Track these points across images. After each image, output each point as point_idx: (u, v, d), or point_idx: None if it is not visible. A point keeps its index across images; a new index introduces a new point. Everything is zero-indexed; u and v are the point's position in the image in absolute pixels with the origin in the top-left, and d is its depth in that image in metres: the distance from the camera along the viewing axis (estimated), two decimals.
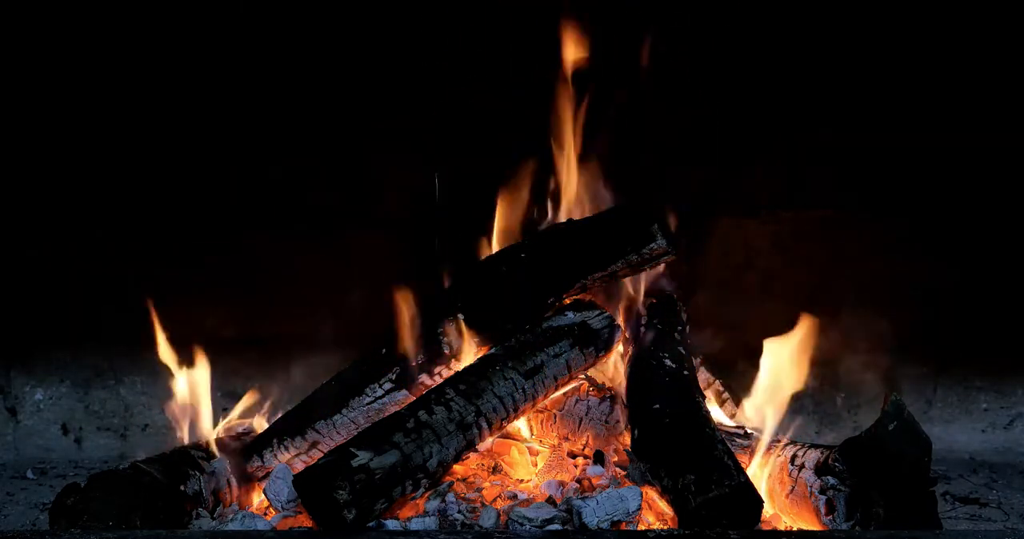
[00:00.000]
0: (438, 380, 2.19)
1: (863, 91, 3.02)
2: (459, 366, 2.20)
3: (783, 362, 2.23)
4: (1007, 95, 2.99)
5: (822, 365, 3.07)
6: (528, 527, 1.86)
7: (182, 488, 1.99)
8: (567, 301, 2.27)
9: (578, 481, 2.10)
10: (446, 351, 2.23)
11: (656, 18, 2.80)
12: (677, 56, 2.86)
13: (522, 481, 2.17)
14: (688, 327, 2.44)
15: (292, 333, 3.08)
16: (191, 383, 2.29)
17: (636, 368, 2.20)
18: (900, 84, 3.01)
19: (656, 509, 1.98)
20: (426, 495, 1.95)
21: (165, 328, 2.39)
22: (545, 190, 2.52)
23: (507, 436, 2.26)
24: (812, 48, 2.99)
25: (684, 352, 2.26)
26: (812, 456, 1.97)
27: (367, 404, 2.20)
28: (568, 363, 2.16)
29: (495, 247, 2.44)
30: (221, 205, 3.06)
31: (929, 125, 3.01)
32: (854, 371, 3.10)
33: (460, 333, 2.23)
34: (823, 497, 1.87)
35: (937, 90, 3.01)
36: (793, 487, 1.97)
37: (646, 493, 1.95)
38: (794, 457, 2.01)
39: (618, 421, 2.20)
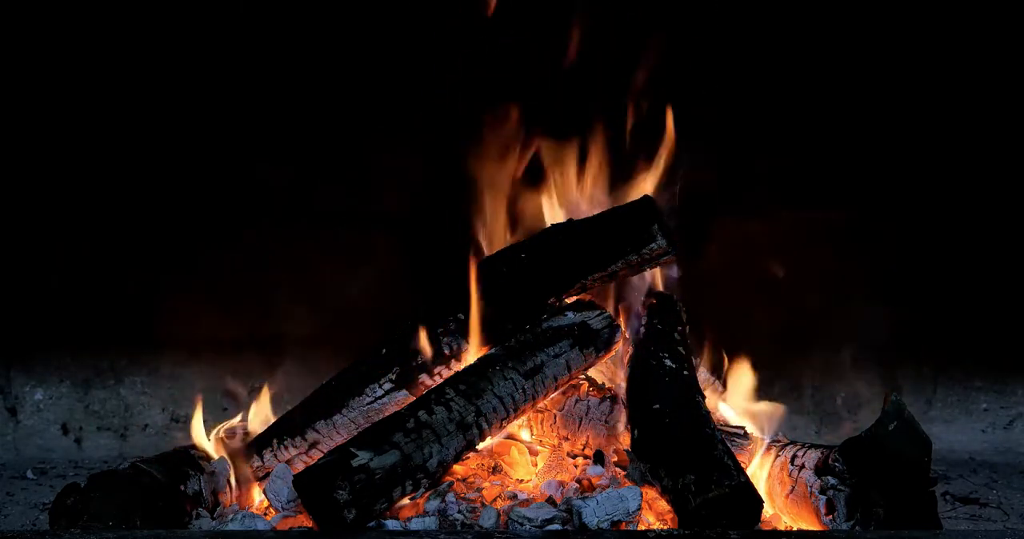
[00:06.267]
0: (438, 380, 2.19)
1: (861, 87, 3.03)
2: (459, 366, 2.20)
3: None
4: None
5: (823, 365, 3.11)
6: (528, 527, 1.86)
7: (182, 488, 1.99)
8: (567, 301, 2.27)
9: (578, 481, 2.10)
10: (446, 351, 2.23)
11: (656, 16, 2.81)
12: (677, 56, 2.86)
13: (522, 481, 2.17)
14: (688, 327, 2.43)
15: (292, 333, 3.08)
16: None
17: (636, 368, 2.19)
18: (896, 76, 3.02)
19: (656, 509, 1.98)
20: (426, 495, 1.95)
21: (165, 328, 2.38)
22: (545, 190, 2.52)
23: (507, 436, 2.26)
24: (811, 47, 3.00)
25: (684, 352, 2.26)
26: (812, 456, 1.97)
27: (367, 404, 2.20)
28: (568, 363, 2.15)
29: (495, 247, 2.44)
30: (221, 205, 3.06)
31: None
32: (854, 371, 3.10)
33: (460, 333, 2.22)
34: (823, 497, 1.87)
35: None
36: (793, 487, 1.97)
37: (646, 493, 1.95)
38: (794, 457, 2.01)
39: (618, 421, 2.20)
